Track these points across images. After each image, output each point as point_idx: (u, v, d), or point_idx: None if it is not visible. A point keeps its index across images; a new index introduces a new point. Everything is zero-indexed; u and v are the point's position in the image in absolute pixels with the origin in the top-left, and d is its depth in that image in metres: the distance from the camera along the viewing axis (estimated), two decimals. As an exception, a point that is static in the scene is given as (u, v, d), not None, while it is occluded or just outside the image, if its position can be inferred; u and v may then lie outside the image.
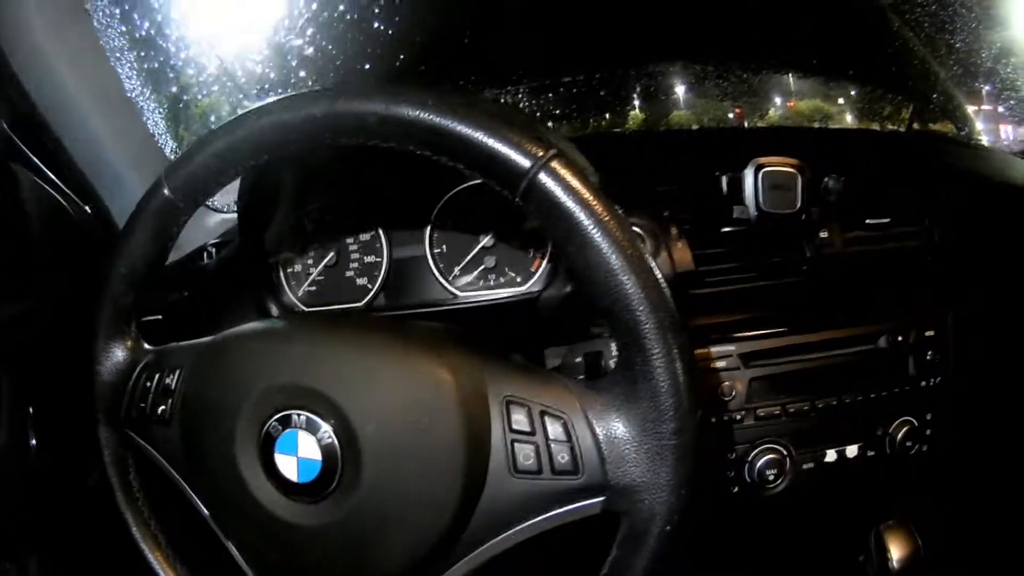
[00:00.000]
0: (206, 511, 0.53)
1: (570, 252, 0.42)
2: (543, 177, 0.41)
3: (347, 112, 0.44)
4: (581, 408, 0.44)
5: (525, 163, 0.41)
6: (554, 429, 0.44)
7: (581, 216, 0.41)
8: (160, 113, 0.92)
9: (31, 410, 0.92)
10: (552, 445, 0.43)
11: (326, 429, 0.45)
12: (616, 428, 0.43)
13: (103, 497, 0.59)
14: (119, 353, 0.57)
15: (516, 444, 0.44)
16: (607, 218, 0.41)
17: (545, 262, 0.74)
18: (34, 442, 0.91)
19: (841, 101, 1.17)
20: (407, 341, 0.49)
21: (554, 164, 0.41)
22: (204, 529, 0.54)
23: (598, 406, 0.44)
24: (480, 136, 0.42)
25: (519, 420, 0.44)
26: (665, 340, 0.41)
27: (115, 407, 0.56)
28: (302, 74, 0.98)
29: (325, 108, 0.45)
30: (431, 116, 0.42)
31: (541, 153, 0.41)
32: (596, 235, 0.41)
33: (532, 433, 0.44)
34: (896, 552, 0.84)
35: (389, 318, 0.73)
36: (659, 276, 0.42)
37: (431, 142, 0.43)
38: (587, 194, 0.41)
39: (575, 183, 0.41)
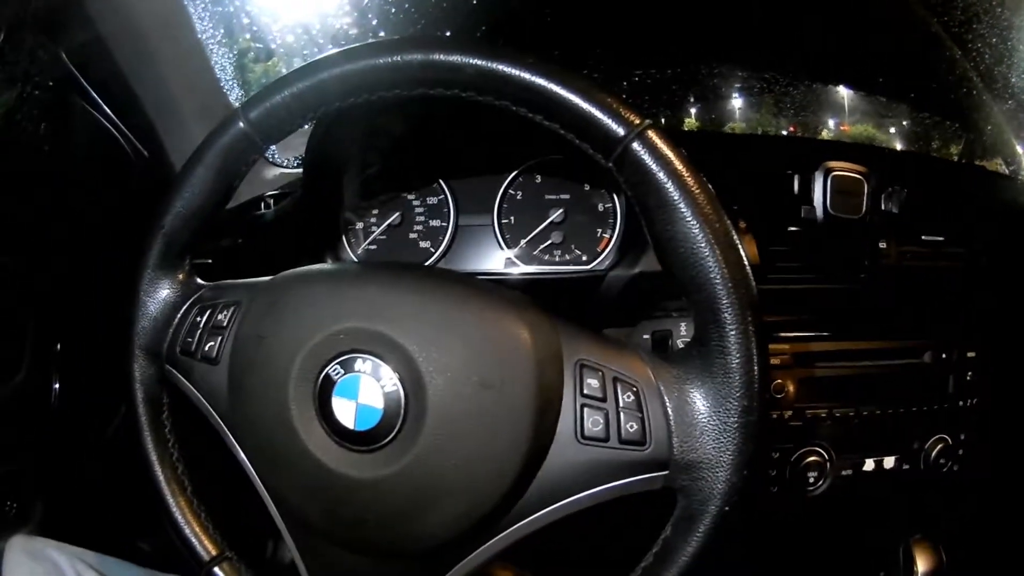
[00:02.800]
0: (244, 456, 0.50)
1: (658, 221, 0.42)
2: (638, 146, 0.41)
3: (444, 62, 0.43)
4: (654, 378, 0.43)
5: (621, 130, 0.41)
6: (625, 397, 0.43)
7: (672, 187, 0.41)
8: (229, 59, 0.90)
9: (58, 347, 0.90)
10: (622, 414, 0.43)
11: (392, 377, 0.43)
12: (686, 402, 0.42)
13: (120, 447, 0.54)
14: (168, 286, 0.53)
15: (586, 409, 0.43)
16: (699, 191, 0.41)
17: (613, 242, 0.75)
18: (57, 385, 0.89)
19: (892, 130, 1.19)
20: (485, 296, 0.47)
21: (650, 133, 0.41)
22: (234, 481, 0.50)
23: (671, 378, 0.43)
24: (578, 99, 0.42)
25: (591, 385, 0.43)
26: (744, 318, 0.40)
27: (157, 342, 0.53)
28: (381, 34, 0.96)
29: (421, 56, 0.44)
30: (531, 74, 0.42)
31: (638, 121, 0.41)
32: (686, 207, 0.40)
33: (603, 399, 0.43)
34: (922, 566, 0.85)
35: (463, 273, 0.72)
36: (744, 255, 0.41)
37: (528, 100, 0.43)
38: (680, 166, 0.41)
39: (670, 154, 0.41)
